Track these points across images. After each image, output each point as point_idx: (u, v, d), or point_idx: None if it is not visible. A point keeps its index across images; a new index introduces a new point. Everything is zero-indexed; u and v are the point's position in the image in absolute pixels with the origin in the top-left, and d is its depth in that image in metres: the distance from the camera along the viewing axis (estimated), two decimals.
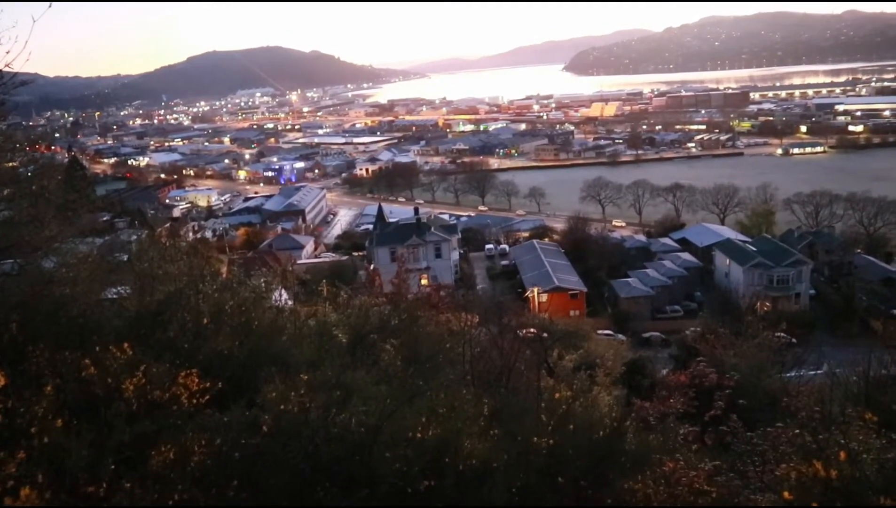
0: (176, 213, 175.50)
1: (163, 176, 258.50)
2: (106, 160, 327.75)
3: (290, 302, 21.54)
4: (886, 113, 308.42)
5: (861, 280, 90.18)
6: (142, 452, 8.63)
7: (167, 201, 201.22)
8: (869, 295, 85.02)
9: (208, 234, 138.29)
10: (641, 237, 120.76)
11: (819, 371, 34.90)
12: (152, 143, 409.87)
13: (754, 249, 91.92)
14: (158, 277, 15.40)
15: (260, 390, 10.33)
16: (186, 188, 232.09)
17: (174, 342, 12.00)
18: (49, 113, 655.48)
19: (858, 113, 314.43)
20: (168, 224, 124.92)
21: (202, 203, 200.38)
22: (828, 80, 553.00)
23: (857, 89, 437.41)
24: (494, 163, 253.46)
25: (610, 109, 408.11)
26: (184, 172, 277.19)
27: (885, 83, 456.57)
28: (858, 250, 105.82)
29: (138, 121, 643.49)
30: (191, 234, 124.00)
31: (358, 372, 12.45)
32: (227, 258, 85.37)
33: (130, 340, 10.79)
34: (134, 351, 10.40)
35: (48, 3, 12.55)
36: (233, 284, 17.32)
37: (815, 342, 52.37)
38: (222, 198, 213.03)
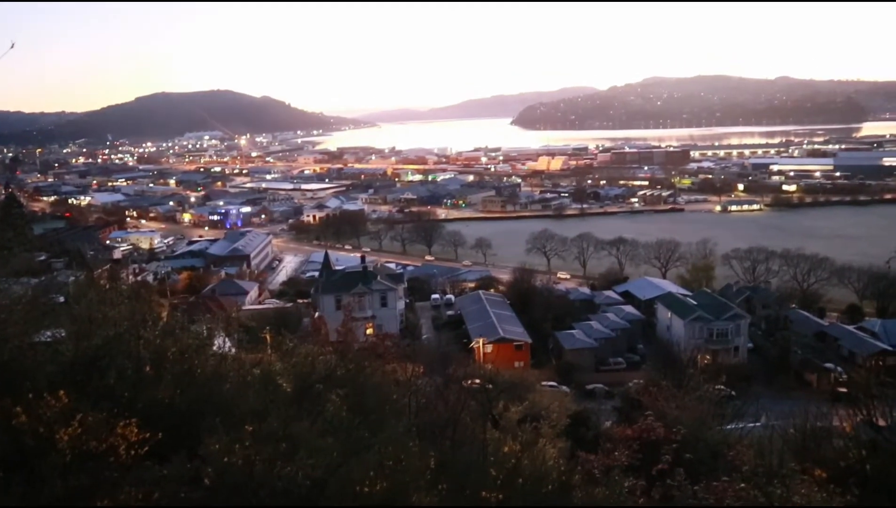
0: (117, 254, 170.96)
1: (104, 216, 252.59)
2: (45, 198, 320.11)
3: (233, 350, 21.09)
4: (817, 174, 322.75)
5: (796, 334, 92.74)
6: None
7: (108, 242, 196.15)
8: (803, 349, 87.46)
9: (149, 277, 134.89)
10: (586, 290, 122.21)
11: (758, 424, 35.61)
12: (95, 182, 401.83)
13: (695, 303, 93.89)
14: (97, 320, 14.90)
15: (202, 441, 10.01)
16: (128, 229, 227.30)
17: (113, 390, 11.59)
18: None
19: (791, 173, 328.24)
20: (108, 266, 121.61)
21: (144, 245, 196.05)
22: (763, 141, 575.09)
23: (790, 151, 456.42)
24: (442, 213, 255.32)
25: (556, 164, 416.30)
26: (126, 212, 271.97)
27: (815, 146, 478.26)
28: (793, 305, 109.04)
29: (81, 159, 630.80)
30: (131, 277, 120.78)
31: (304, 423, 12.19)
32: (168, 303, 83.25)
33: (66, 387, 10.39)
34: (69, 399, 10.00)
35: (10, 42, 12.30)
36: (175, 330, 16.86)
37: (754, 395, 53.51)
38: (165, 240, 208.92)
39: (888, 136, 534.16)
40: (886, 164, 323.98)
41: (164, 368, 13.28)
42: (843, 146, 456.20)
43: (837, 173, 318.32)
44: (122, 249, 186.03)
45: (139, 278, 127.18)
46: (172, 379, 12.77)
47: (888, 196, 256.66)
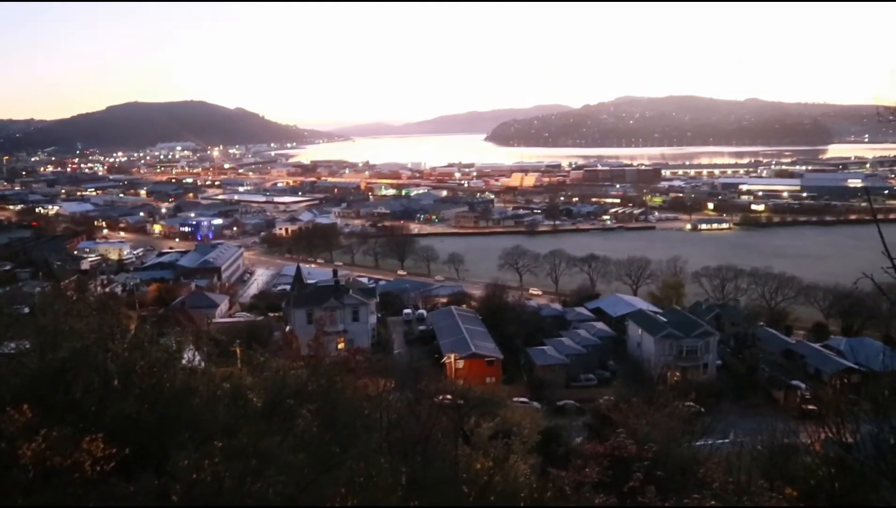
0: (85, 265, 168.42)
1: (72, 226, 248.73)
2: (11, 207, 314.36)
3: (203, 363, 20.82)
4: (785, 194, 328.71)
5: (764, 352, 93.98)
6: None
7: (76, 252, 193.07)
8: (771, 366, 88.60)
9: (118, 289, 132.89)
10: (557, 306, 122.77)
11: (726, 440, 35.91)
12: (63, 191, 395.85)
13: (665, 320, 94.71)
14: (63, 332, 14.61)
15: (170, 457, 9.84)
16: (97, 240, 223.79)
17: (79, 404, 11.36)
18: None
19: (760, 193, 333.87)
20: (75, 277, 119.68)
21: (113, 256, 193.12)
22: (732, 161, 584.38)
23: (759, 171, 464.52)
24: (415, 228, 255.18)
25: (529, 180, 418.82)
26: (95, 223, 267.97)
27: (783, 166, 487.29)
28: (761, 323, 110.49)
29: (50, 168, 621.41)
30: (99, 288, 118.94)
31: (274, 439, 12.05)
32: (137, 315, 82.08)
33: (30, 400, 10.16)
34: (33, 413, 9.78)
35: None
36: (143, 343, 16.60)
37: (722, 412, 54.02)
38: (135, 252, 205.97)
39: (853, 158, 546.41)
40: (851, 185, 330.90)
41: (132, 382, 13.05)
42: (809, 167, 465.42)
43: (804, 194, 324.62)
44: (90, 259, 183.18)
45: (107, 289, 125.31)
46: (140, 393, 12.55)
47: (853, 217, 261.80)
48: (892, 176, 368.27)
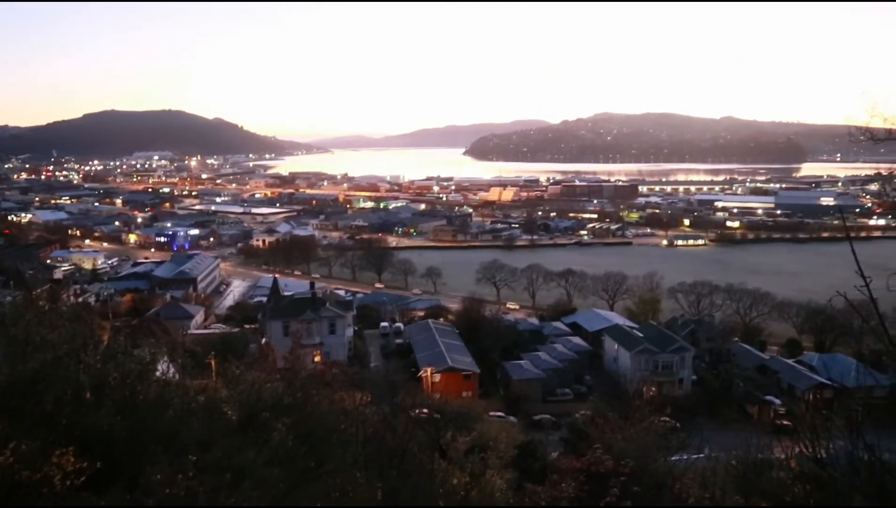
0: (58, 274, 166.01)
1: (46, 235, 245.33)
2: None
3: (177, 375, 20.57)
4: (759, 211, 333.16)
5: (738, 367, 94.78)
6: None
7: (49, 261, 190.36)
8: (745, 382, 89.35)
9: (91, 298, 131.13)
10: (534, 320, 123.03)
11: (701, 455, 36.08)
12: (37, 199, 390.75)
13: (641, 335, 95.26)
14: (34, 343, 14.34)
15: (143, 471, 9.68)
16: (71, 249, 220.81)
17: (49, 417, 11.14)
18: None
19: (735, 210, 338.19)
20: (48, 286, 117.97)
21: (87, 266, 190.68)
22: (708, 178, 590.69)
23: (734, 188, 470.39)
24: (393, 241, 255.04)
25: (507, 195, 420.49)
26: (69, 231, 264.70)
27: (758, 184, 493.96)
28: (736, 339, 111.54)
29: (24, 175, 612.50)
30: (72, 298, 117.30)
31: (249, 453, 11.90)
32: (110, 325, 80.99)
33: None
34: (2, 426, 9.58)
35: None
36: (117, 354, 16.34)
37: (698, 427, 54.35)
38: (109, 261, 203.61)
39: (825, 176, 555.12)
40: (823, 203, 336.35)
41: (105, 394, 12.85)
42: (783, 185, 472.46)
43: (778, 211, 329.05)
44: (63, 268, 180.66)
45: (80, 299, 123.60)
46: (113, 406, 12.35)
47: (825, 234, 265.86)
48: (864, 195, 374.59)
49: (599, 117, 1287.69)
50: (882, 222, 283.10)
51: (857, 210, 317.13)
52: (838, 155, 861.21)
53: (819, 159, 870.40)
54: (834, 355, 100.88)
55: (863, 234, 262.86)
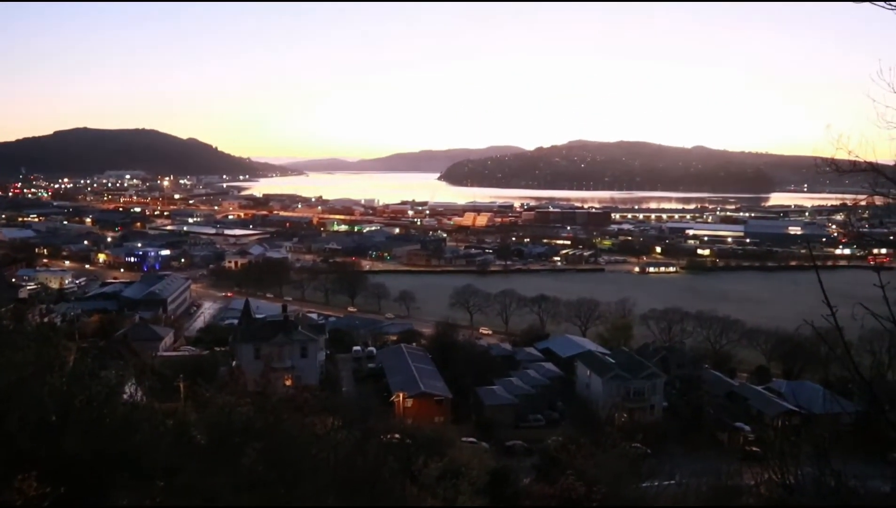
0: (23, 294, 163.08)
1: (11, 253, 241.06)
2: None
3: (145, 398, 20.25)
4: (729, 240, 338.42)
5: (708, 394, 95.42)
6: None
7: (14, 280, 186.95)
8: (715, 408, 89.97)
9: (58, 318, 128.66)
10: (507, 346, 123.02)
11: (672, 482, 36.21)
12: (3, 216, 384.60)
13: (613, 361, 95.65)
14: None
15: (109, 496, 9.49)
16: (38, 268, 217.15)
17: (13, 440, 10.89)
18: None
19: (706, 238, 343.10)
20: (12, 306, 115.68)
21: (54, 285, 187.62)
22: (679, 206, 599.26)
23: (705, 217, 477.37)
24: (367, 265, 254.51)
25: (482, 220, 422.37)
26: (37, 250, 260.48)
27: (728, 213, 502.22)
28: (706, 365, 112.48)
29: None
30: (38, 317, 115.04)
31: (219, 478, 11.73)
32: (77, 346, 79.49)
33: None
34: None
35: None
36: (83, 375, 16.06)
37: (669, 453, 54.55)
38: (77, 281, 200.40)
39: (793, 206, 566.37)
40: (791, 232, 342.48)
41: (70, 417, 12.59)
42: (752, 214, 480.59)
43: (748, 240, 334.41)
44: (29, 288, 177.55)
45: (46, 319, 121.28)
46: (78, 429, 12.10)
47: (793, 263, 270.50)
48: (830, 224, 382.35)
49: (574, 144, 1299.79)
50: (847, 251, 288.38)
51: (824, 240, 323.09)
52: (805, 186, 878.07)
53: (787, 189, 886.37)
54: (802, 382, 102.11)
55: (829, 263, 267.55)
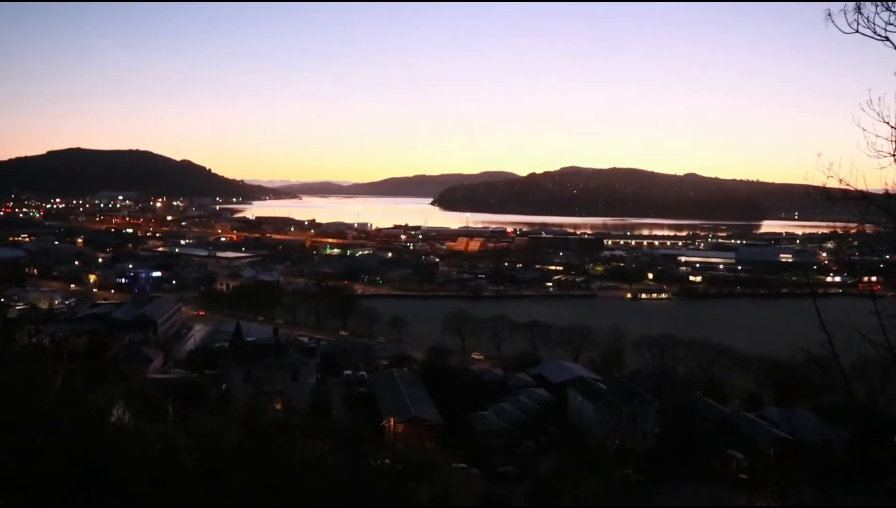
0: (12, 314, 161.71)
1: (1, 272, 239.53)
2: None
3: (133, 421, 20.04)
4: (721, 266, 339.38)
5: (701, 421, 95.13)
6: None
7: (3, 299, 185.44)
8: (708, 435, 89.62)
9: (46, 339, 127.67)
10: (499, 371, 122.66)
11: None
12: None
13: (605, 387, 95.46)
14: None
15: None
16: (27, 288, 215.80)
17: None
18: None
19: (697, 265, 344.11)
20: (0, 326, 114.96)
21: (43, 305, 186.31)
22: (671, 233, 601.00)
23: (696, 243, 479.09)
24: (359, 289, 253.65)
25: (474, 245, 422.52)
26: (27, 270, 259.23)
27: (720, 240, 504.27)
28: (698, 392, 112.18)
29: None
30: (26, 338, 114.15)
31: (207, 503, 11.59)
32: (65, 368, 78.83)
33: None
34: None
35: None
36: (72, 397, 15.92)
37: (661, 480, 54.32)
38: (67, 302, 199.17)
39: (784, 234, 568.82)
40: (782, 259, 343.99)
41: (57, 439, 12.44)
42: (744, 241, 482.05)
43: (739, 267, 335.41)
44: (17, 308, 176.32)
45: (34, 340, 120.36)
46: (65, 452, 11.95)
47: (784, 290, 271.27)
48: (820, 252, 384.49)
49: (567, 171, 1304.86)
50: (838, 278, 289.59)
51: (815, 267, 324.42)
52: (796, 213, 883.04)
53: (778, 217, 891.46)
54: (794, 409, 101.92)
55: (820, 290, 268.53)
